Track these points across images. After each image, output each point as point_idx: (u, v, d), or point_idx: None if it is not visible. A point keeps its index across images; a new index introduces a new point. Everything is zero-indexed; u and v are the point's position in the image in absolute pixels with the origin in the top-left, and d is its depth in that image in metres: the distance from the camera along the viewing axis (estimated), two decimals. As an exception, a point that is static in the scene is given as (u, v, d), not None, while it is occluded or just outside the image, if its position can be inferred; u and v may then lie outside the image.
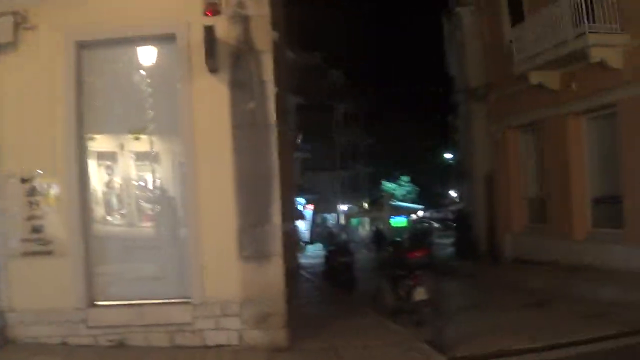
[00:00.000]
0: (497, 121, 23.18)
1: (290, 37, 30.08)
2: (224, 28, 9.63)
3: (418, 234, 31.00)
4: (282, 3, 20.83)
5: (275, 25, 10.97)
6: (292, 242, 25.92)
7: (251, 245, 9.64)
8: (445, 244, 31.55)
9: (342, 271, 20.26)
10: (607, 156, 18.03)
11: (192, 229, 9.84)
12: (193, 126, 9.73)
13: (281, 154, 10.00)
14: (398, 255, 13.92)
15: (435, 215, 57.50)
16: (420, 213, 58.60)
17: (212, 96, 9.71)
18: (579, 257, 18.07)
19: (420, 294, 11.90)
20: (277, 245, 9.65)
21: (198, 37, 9.45)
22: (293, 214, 30.47)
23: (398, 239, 18.69)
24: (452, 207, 48.10)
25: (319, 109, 57.53)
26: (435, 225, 48.81)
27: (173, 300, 9.79)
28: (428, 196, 65.83)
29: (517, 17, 20.94)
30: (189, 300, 9.72)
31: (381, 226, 47.54)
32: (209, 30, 9.38)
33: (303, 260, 29.86)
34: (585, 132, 18.96)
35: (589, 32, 16.24)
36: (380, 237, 42.32)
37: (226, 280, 9.56)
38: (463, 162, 31.01)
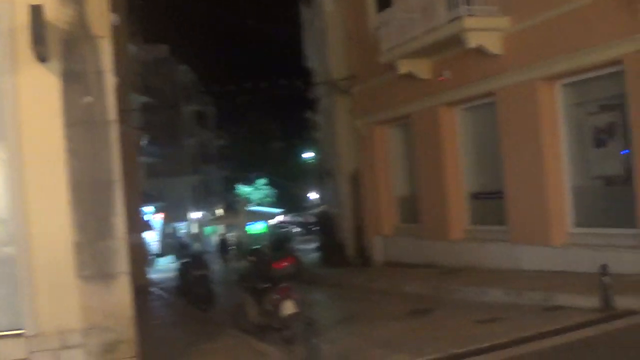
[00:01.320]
0: (363, 116, 22.28)
1: (134, 28, 28.42)
2: (54, 9, 8.03)
3: (279, 240, 29.92)
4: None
5: (115, 9, 9.67)
6: (140, 256, 24.68)
7: (92, 264, 8.20)
8: (308, 250, 30.71)
9: (198, 286, 18.86)
10: (485, 149, 17.51)
11: (21, 246, 8.18)
12: (18, 125, 8.04)
13: (124, 158, 8.62)
14: (261, 266, 12.98)
15: (297, 219, 56.99)
16: (280, 217, 57.75)
17: (42, 90, 8.12)
18: (457, 258, 17.61)
19: (289, 307, 11.33)
20: (122, 261, 8.28)
21: (23, 19, 7.71)
22: (140, 224, 28.69)
23: (258, 247, 17.62)
24: (315, 210, 47.48)
25: (167, 109, 55.67)
26: (297, 229, 48.39)
27: (2, 333, 8.13)
28: (288, 199, 64.92)
29: (383, 2, 20.07)
30: (22, 331, 8.13)
31: (227, 234, 46.47)
32: (36, 11, 7.74)
33: (154, 276, 28.21)
34: (460, 123, 18.38)
35: (465, 15, 15.46)
36: (225, 246, 41.33)
37: (64, 306, 8.10)
38: (326, 161, 30.17)
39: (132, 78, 29.79)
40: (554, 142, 14.96)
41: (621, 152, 13.61)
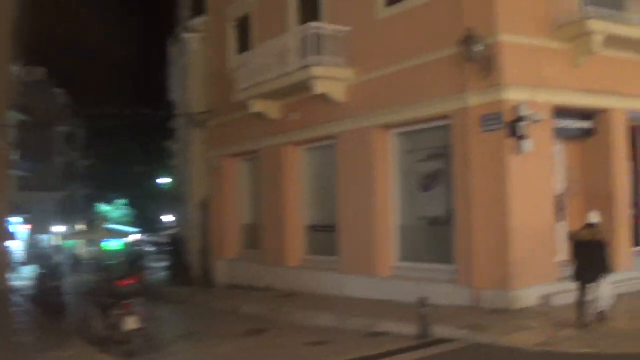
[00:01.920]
0: (216, 148, 21.65)
1: (16, 50, 27.03)
2: None
3: (132, 258, 28.63)
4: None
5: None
6: (2, 263, 23.77)
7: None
8: (159, 269, 29.53)
9: (51, 296, 18.07)
10: (324, 186, 17.23)
11: None
12: None
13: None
14: (109, 282, 12.47)
15: (152, 239, 55.41)
16: (137, 236, 55.88)
17: None
18: (294, 284, 17.24)
19: (131, 323, 11.05)
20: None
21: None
22: (5, 233, 26.78)
23: (110, 264, 16.81)
24: (168, 232, 46.22)
25: (40, 128, 53.03)
26: (151, 249, 46.94)
27: None
28: (145, 220, 63.03)
29: (244, 45, 19.68)
30: None
31: (85, 249, 44.67)
32: None
33: (16, 283, 26.19)
34: (302, 162, 18.13)
35: (314, 64, 15.24)
36: (81, 260, 39.38)
37: None
38: (180, 187, 29.24)
39: (11, 97, 28.11)
40: (385, 184, 14.93)
41: (446, 195, 13.72)
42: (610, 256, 10.64)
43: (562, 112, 13.05)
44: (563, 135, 13.56)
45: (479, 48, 12.09)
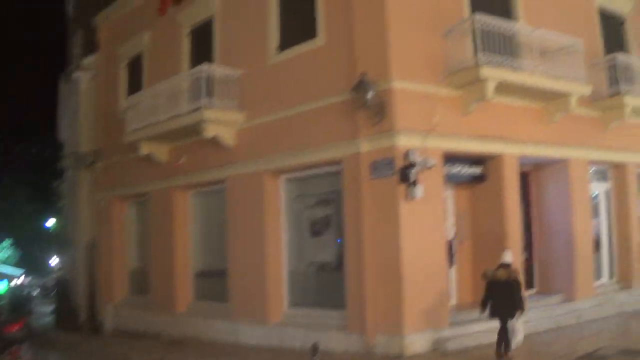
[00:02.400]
0: (104, 190, 19.80)
1: None
2: None
3: (17, 301, 26.02)
4: None
5: None
6: None
7: None
8: (45, 312, 26.94)
9: None
10: (214, 231, 15.78)
11: None
12: None
13: None
14: None
15: (37, 281, 51.43)
16: (22, 279, 51.73)
17: None
18: (183, 330, 15.69)
19: None
20: None
21: None
22: None
23: None
24: (54, 275, 42.83)
25: None
26: (37, 291, 43.49)
27: None
28: (31, 262, 58.30)
29: (135, 86, 18.04)
30: None
31: None
32: None
33: None
34: (192, 206, 16.67)
35: (205, 107, 13.91)
36: None
37: None
38: (67, 229, 26.88)
39: None
40: (275, 230, 13.77)
41: (337, 241, 12.81)
42: (524, 295, 10.54)
43: (453, 157, 12.49)
44: (454, 180, 13.03)
45: (371, 94, 11.27)
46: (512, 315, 10.10)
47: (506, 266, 10.39)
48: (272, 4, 14.03)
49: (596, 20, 15.71)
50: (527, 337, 11.05)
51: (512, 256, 10.80)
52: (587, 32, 15.00)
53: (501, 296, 10.07)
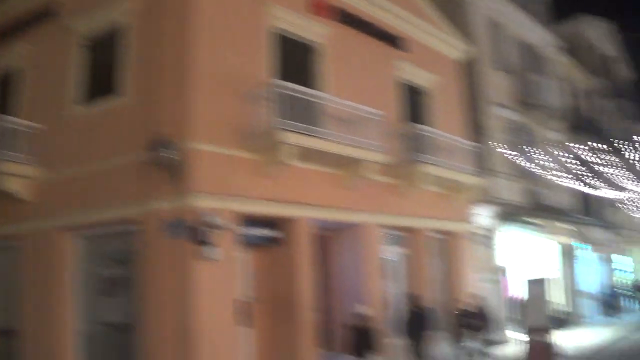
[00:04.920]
0: None
1: None
2: None
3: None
4: None
5: None
6: None
7: None
8: None
9: None
10: (5, 288, 15.12)
11: None
12: None
13: None
14: None
15: None
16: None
17: None
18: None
19: None
20: None
21: None
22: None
23: None
24: None
25: None
26: None
27: None
28: None
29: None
30: None
31: None
32: None
33: None
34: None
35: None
36: None
37: None
38: None
39: None
40: (66, 288, 13.65)
41: (130, 301, 12.90)
42: (376, 338, 13.20)
43: (250, 220, 13.09)
44: (251, 242, 13.56)
45: (168, 154, 11.75)
46: (366, 355, 13.03)
47: (361, 315, 13.39)
48: (75, 57, 14.31)
49: (398, 92, 17.50)
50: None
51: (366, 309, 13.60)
52: (388, 103, 16.71)
53: (359, 339, 13.11)
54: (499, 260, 21.54)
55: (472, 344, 15.40)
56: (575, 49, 33.36)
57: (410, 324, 14.79)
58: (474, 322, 15.41)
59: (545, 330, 15.86)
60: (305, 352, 13.54)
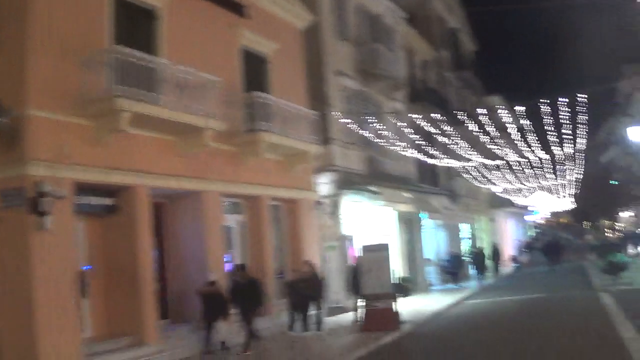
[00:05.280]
0: None
1: None
2: None
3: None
4: None
5: None
6: None
7: None
8: None
9: None
10: None
11: None
12: None
13: None
14: None
15: None
16: None
17: None
18: None
19: None
20: None
21: None
22: None
23: None
24: None
25: None
26: None
27: None
28: None
29: None
30: None
31: None
32: None
33: None
34: None
35: None
36: None
37: None
38: None
39: None
40: None
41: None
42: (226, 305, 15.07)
43: (86, 188, 13.46)
44: (86, 211, 13.95)
45: (3, 120, 11.98)
46: (216, 319, 14.84)
47: (212, 283, 15.13)
48: None
49: (239, 60, 18.43)
50: None
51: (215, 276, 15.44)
52: (229, 71, 17.61)
53: (210, 304, 14.86)
54: (343, 229, 23.24)
55: (305, 312, 16.45)
56: (419, 20, 35.86)
57: (235, 295, 15.33)
58: (308, 291, 16.49)
59: (385, 297, 17.29)
60: (145, 322, 14.19)
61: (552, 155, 35.20)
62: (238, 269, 16.13)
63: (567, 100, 23.37)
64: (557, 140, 30.57)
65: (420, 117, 25.72)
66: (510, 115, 27.07)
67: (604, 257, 30.35)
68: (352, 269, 19.31)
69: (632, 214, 54.59)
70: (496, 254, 39.72)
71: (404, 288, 22.88)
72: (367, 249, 18.44)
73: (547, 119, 25.44)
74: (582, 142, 30.86)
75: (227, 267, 17.26)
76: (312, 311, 16.77)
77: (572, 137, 29.28)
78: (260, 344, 15.30)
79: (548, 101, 23.28)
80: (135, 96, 13.50)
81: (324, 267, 20.70)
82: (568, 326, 15.31)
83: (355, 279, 18.28)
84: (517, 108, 24.78)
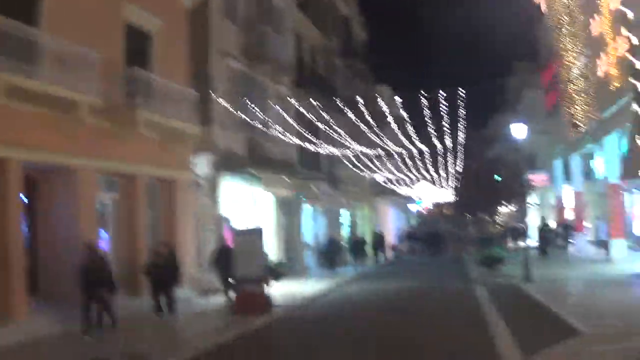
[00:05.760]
0: None
1: None
2: None
3: None
4: None
5: None
6: None
7: None
8: None
9: None
10: None
11: None
12: None
13: None
14: None
15: None
16: None
17: None
18: None
19: None
20: None
21: None
22: None
23: None
24: None
25: None
26: None
27: None
28: None
29: None
30: None
31: None
32: None
33: None
34: None
35: None
36: None
37: None
38: None
39: None
40: None
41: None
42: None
43: None
44: None
45: None
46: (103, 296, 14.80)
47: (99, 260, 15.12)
48: None
49: (122, 35, 18.48)
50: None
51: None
52: (112, 46, 17.66)
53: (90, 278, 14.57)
54: (221, 210, 23.77)
55: (168, 294, 16.50)
56: (311, 5, 36.58)
57: (83, 276, 14.67)
58: (163, 272, 16.34)
59: (258, 280, 17.78)
60: (15, 300, 14.25)
61: (434, 148, 36.95)
62: (87, 248, 15.25)
63: (445, 94, 24.77)
64: (436, 133, 32.16)
65: (303, 103, 26.36)
66: (393, 106, 28.20)
67: (482, 249, 31.84)
68: (218, 251, 19.64)
69: (514, 208, 57.60)
70: (379, 241, 40.81)
71: (278, 272, 23.54)
72: (239, 233, 18.99)
73: (427, 112, 26.77)
74: (461, 136, 32.67)
75: (102, 245, 17.39)
76: (173, 293, 16.72)
77: (450, 130, 30.92)
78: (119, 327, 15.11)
79: (428, 95, 24.57)
80: (10, 68, 13.47)
81: (203, 248, 21.16)
82: (438, 313, 16.56)
83: (226, 261, 18.60)
84: (397, 99, 25.94)
